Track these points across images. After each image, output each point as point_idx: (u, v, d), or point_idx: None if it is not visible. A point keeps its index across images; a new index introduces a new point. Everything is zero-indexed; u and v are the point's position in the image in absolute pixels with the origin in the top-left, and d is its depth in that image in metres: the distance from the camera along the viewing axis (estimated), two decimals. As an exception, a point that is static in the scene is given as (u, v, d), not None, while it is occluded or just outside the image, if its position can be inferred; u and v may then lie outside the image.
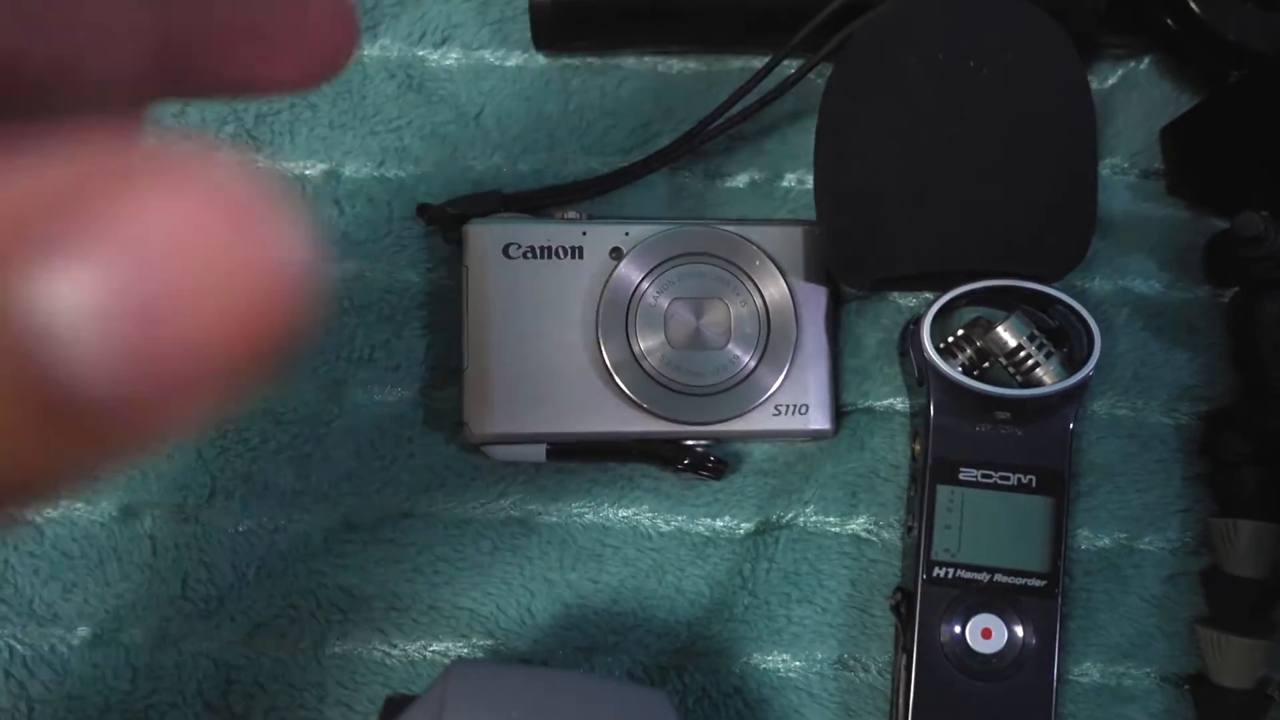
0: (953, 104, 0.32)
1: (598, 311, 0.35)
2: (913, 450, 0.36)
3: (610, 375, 0.35)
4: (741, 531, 0.37)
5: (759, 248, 0.36)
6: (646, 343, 0.35)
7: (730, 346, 0.36)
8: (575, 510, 0.37)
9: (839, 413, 0.37)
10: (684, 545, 0.37)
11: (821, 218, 0.35)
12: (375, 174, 0.38)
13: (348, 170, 0.38)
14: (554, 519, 0.37)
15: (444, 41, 0.38)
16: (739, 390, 0.36)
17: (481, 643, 0.36)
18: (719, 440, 0.37)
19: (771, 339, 0.36)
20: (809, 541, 0.37)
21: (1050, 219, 0.33)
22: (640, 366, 0.35)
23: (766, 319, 0.36)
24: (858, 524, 0.37)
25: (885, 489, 0.37)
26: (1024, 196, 0.32)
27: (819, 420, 0.36)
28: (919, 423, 0.36)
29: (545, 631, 0.36)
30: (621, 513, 0.37)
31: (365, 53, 0.38)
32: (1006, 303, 0.35)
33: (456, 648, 0.36)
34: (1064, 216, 0.33)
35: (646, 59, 0.38)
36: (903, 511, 0.37)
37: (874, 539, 0.37)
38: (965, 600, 0.34)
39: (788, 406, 0.36)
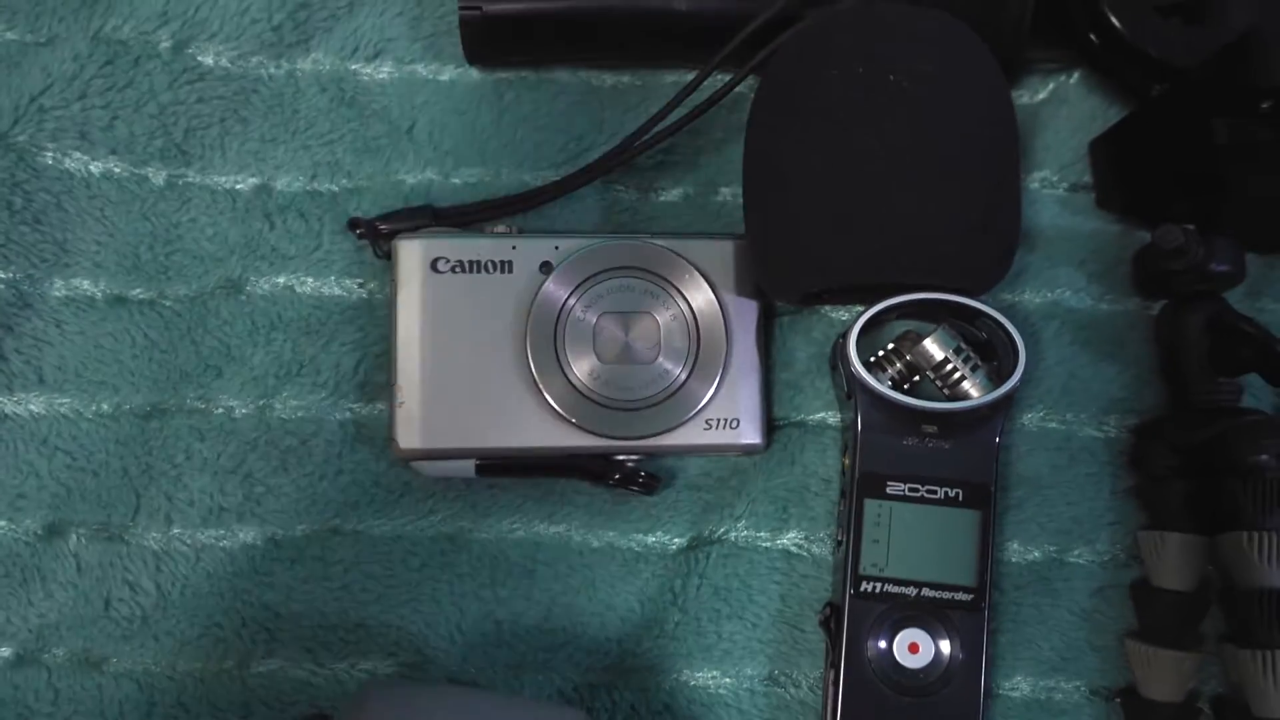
0: (875, 118, 0.32)
1: (527, 326, 0.35)
2: (843, 464, 0.36)
3: (539, 390, 0.35)
4: (674, 547, 0.36)
5: (689, 262, 0.36)
6: (575, 357, 0.35)
7: (660, 361, 0.35)
8: (506, 526, 0.36)
9: (771, 427, 0.36)
10: (615, 561, 0.36)
11: (750, 232, 0.34)
12: (307, 188, 0.37)
13: (279, 184, 0.37)
14: (485, 535, 0.36)
15: (376, 55, 0.38)
16: (669, 405, 0.35)
17: (410, 660, 0.35)
18: (650, 455, 0.36)
19: (702, 353, 0.35)
20: (740, 557, 0.36)
21: (974, 232, 0.32)
22: (569, 381, 0.35)
23: (696, 333, 0.35)
24: (788, 539, 0.36)
25: (816, 504, 0.36)
26: (948, 210, 0.32)
27: (750, 435, 0.35)
28: (848, 437, 0.35)
29: (475, 649, 0.36)
30: (553, 529, 0.36)
31: (298, 66, 0.37)
32: (934, 316, 0.35)
33: (384, 666, 0.35)
34: (988, 230, 0.33)
35: (580, 73, 0.38)
36: (833, 526, 0.36)
37: (804, 554, 0.36)
38: (892, 615, 0.33)
39: (719, 421, 0.35)
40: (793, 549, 0.36)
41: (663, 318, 0.35)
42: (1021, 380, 0.33)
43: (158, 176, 0.37)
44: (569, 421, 0.35)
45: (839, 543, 0.35)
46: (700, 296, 0.36)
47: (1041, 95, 0.38)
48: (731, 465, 0.37)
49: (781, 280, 0.34)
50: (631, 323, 0.35)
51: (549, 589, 0.36)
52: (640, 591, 0.36)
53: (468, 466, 0.35)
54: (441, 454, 0.35)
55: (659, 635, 0.36)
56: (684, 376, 0.35)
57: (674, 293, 0.36)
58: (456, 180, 0.37)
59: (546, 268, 0.35)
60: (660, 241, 0.36)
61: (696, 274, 0.36)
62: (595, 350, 0.35)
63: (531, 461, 0.35)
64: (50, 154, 0.37)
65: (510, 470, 0.36)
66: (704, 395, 0.35)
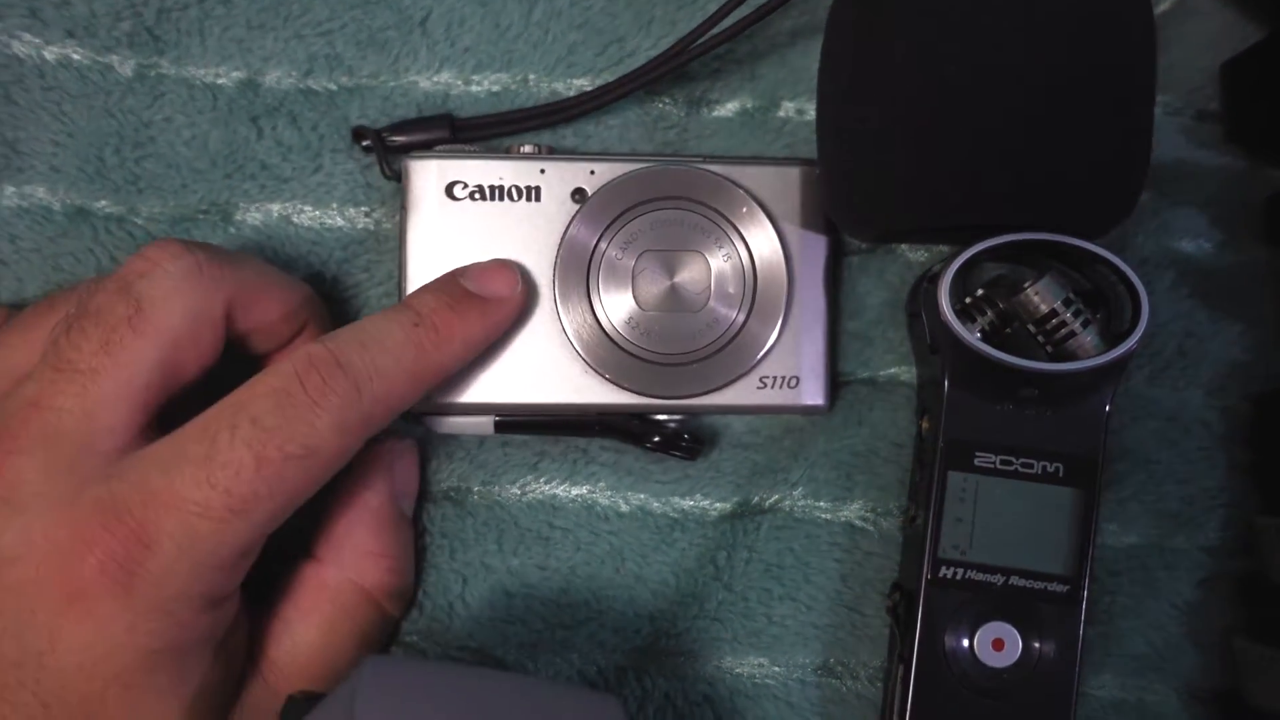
0: (986, 23, 0.25)
1: (555, 265, 0.29)
2: (920, 428, 0.30)
3: (569, 340, 0.29)
4: (715, 513, 0.31)
5: (747, 191, 0.29)
6: (611, 302, 0.29)
7: (710, 308, 0.29)
8: (519, 487, 0.31)
9: (835, 385, 0.31)
10: (646, 528, 0.31)
11: (823, 156, 0.28)
12: (300, 85, 0.31)
13: (268, 80, 0.31)
14: (494, 497, 0.31)
15: (385, -71, 0.31)
16: (719, 359, 0.29)
17: (405, 638, 0.30)
18: (694, 415, 0.30)
19: (759, 300, 0.29)
20: (796, 529, 0.31)
21: (1096, 163, 0.26)
22: (603, 330, 0.29)
23: (753, 276, 0.29)
24: (852, 510, 0.31)
25: (886, 471, 0.31)
26: (1066, 136, 0.26)
27: (812, 395, 0.30)
28: (929, 397, 0.29)
29: (481, 624, 0.30)
30: (574, 490, 0.31)
31: (290, -61, 0.31)
32: (1036, 260, 0.29)
33: None
34: (1112, 161, 0.26)
35: (628, -40, 0.31)
36: (904, 498, 0.31)
37: (870, 528, 0.31)
38: (975, 606, 0.28)
39: (776, 379, 0.30)
40: (856, 522, 0.31)
41: (714, 257, 0.29)
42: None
43: (125, 66, 0.30)
44: (602, 376, 0.29)
45: (912, 518, 0.30)
46: (759, 232, 0.29)
47: (1164, 6, 0.32)
48: (785, 422, 0.31)
49: (861, 214, 0.28)
50: (678, 263, 0.29)
51: (568, 559, 0.31)
52: (676, 564, 0.31)
53: (486, 424, 0.29)
54: (456, 409, 0.29)
55: (698, 615, 0.30)
56: (737, 328, 0.29)
57: (728, 228, 0.30)
58: (477, 86, 0.31)
59: (580, 195, 0.29)
60: (713, 167, 0.29)
61: (755, 205, 0.29)
62: (634, 294, 0.29)
63: (557, 420, 0.30)
64: (-5, 37, 0.30)
65: (533, 429, 0.30)
66: (760, 349, 0.29)
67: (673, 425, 0.30)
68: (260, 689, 0.26)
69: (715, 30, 0.29)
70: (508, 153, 0.30)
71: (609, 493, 0.31)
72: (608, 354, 0.29)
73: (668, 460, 0.31)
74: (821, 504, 0.31)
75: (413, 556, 0.29)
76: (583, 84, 0.31)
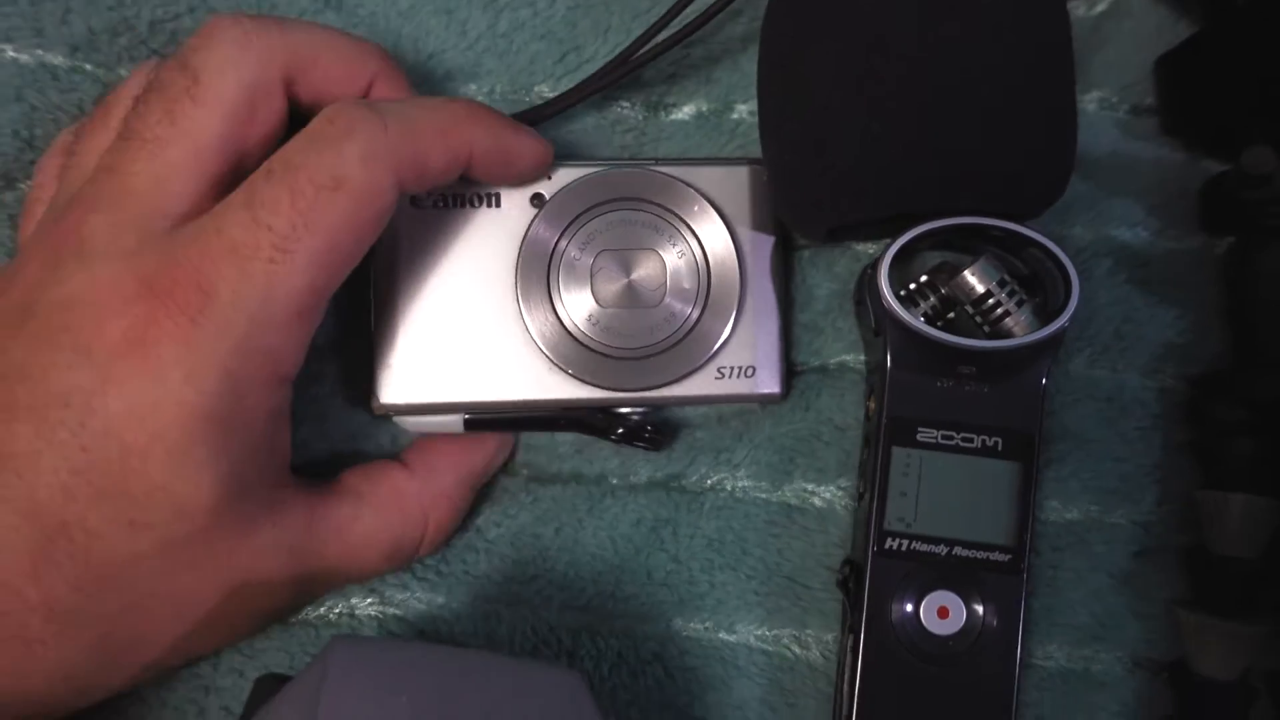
0: (910, 20, 0.27)
1: (517, 266, 0.30)
2: (867, 409, 0.31)
3: (532, 339, 0.30)
4: (643, 480, 0.32)
5: (699, 191, 0.31)
6: (571, 301, 0.30)
7: (666, 303, 0.30)
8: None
9: (790, 373, 0.32)
10: (580, 496, 0.32)
11: (768, 158, 0.29)
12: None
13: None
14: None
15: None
16: (677, 352, 0.31)
17: (366, 605, 0.31)
18: (655, 406, 0.32)
19: (713, 294, 0.31)
20: (735, 509, 0.32)
21: (1025, 147, 0.27)
22: (564, 328, 0.30)
23: (707, 272, 0.31)
24: (790, 490, 0.32)
25: (826, 453, 0.32)
26: (995, 123, 0.27)
27: (768, 383, 0.31)
28: (875, 379, 0.31)
29: (437, 588, 0.32)
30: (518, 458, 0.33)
31: (272, -37, 0.33)
32: (973, 246, 0.30)
33: (341, 608, 0.31)
34: (1041, 144, 0.28)
35: (586, -33, 0.33)
36: (843, 478, 0.32)
37: (807, 506, 0.32)
38: (920, 576, 0.29)
39: (733, 369, 0.31)
40: (793, 501, 0.32)
41: (669, 254, 0.31)
42: (1072, 319, 0.28)
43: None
44: (565, 372, 0.30)
45: (860, 494, 0.31)
46: (711, 230, 0.31)
47: (1101, 6, 0.33)
48: (737, 408, 0.32)
49: (806, 213, 0.29)
50: (634, 261, 0.31)
51: (512, 520, 0.32)
52: (611, 528, 0.32)
53: (455, 422, 0.31)
54: (426, 409, 0.30)
55: (646, 582, 0.32)
56: (693, 321, 0.31)
57: (681, 226, 0.31)
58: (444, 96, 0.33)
59: (538, 200, 0.30)
60: (667, 168, 0.31)
61: (707, 205, 0.31)
62: (593, 292, 0.30)
63: (526, 416, 0.31)
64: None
65: (501, 425, 0.31)
66: (716, 341, 0.31)
67: (636, 417, 0.31)
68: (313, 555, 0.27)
69: (661, 36, 0.31)
70: None
71: (544, 458, 0.32)
72: (570, 351, 0.30)
73: (633, 451, 0.32)
74: (762, 484, 0.32)
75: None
76: (544, 90, 0.33)
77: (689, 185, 0.31)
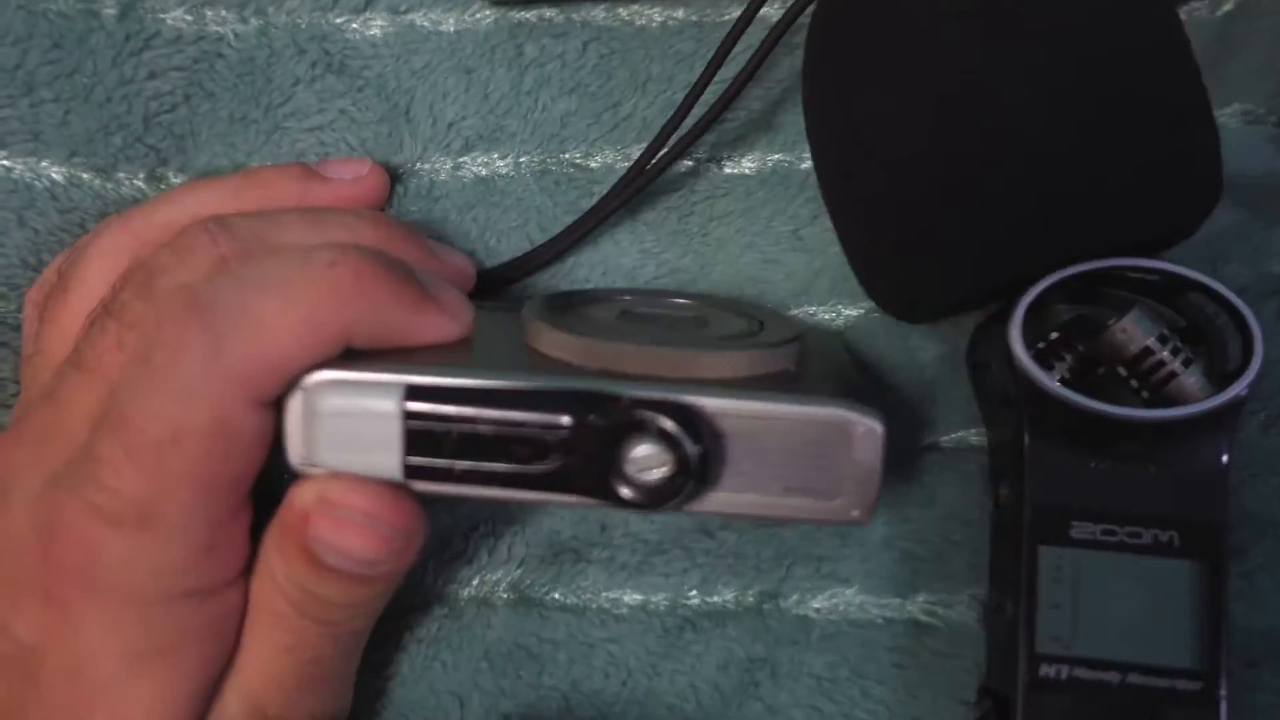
0: (992, 40, 0.22)
1: None
2: (996, 498, 0.25)
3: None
4: (732, 605, 0.26)
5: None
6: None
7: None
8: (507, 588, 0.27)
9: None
10: (651, 631, 0.26)
11: (841, 236, 0.25)
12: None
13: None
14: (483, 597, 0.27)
15: (367, 4, 0.29)
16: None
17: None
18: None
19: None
20: (849, 635, 0.26)
21: (1156, 156, 0.22)
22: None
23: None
24: (916, 605, 0.26)
25: (955, 555, 0.26)
26: (1117, 144, 0.21)
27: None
28: (1005, 461, 0.25)
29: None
30: (557, 596, 0.27)
31: (269, 20, 0.29)
32: (1117, 299, 0.25)
33: None
34: (1175, 146, 0.22)
35: (618, 9, 0.29)
36: (976, 585, 0.26)
37: (938, 624, 0.26)
38: (1087, 712, 0.23)
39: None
40: (923, 618, 0.26)
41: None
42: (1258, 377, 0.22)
43: (134, 181, 0.28)
44: None
45: (997, 607, 0.25)
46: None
47: (1227, 7, 0.28)
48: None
49: (903, 296, 0.24)
50: None
51: (564, 674, 0.26)
52: (692, 671, 0.26)
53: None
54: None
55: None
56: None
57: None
58: (465, 173, 0.28)
59: None
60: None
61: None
62: None
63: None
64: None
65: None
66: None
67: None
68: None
69: (705, 89, 0.26)
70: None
71: (601, 592, 0.27)
72: None
73: (669, 546, 0.26)
74: (882, 601, 0.26)
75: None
76: (576, 157, 0.28)
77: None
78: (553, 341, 0.21)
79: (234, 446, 0.19)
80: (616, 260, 0.28)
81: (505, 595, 0.27)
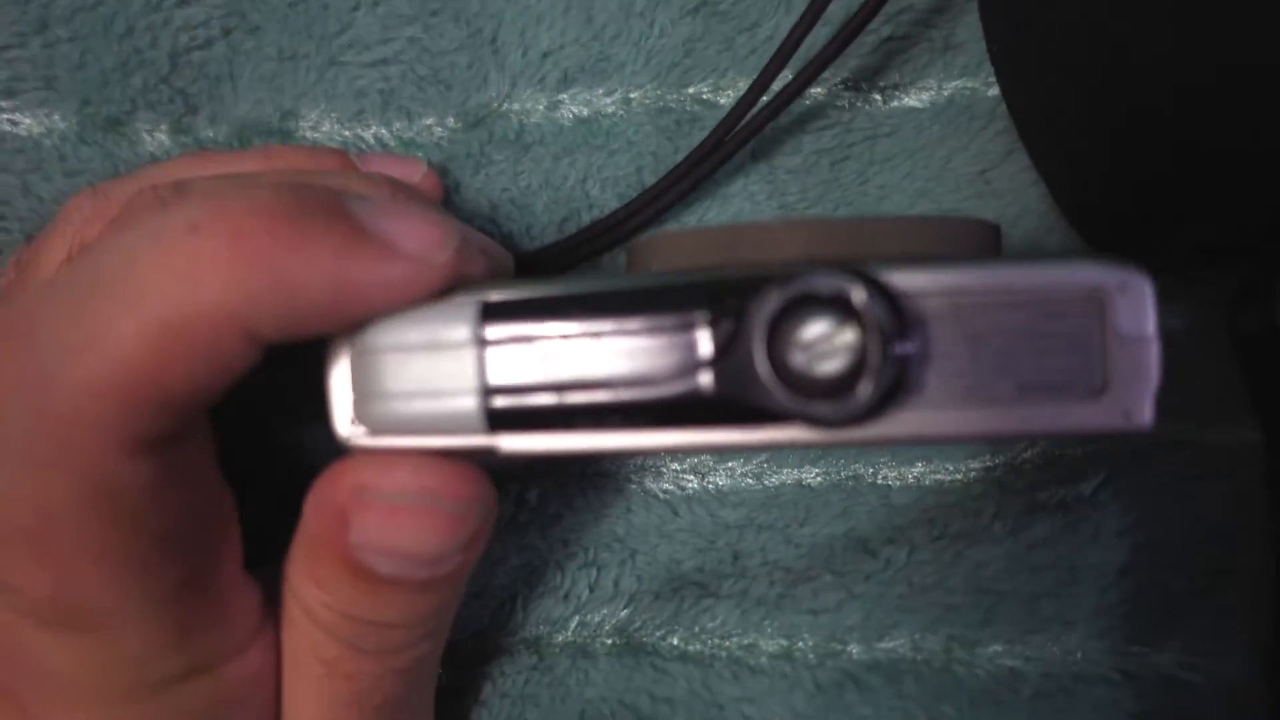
0: None
1: None
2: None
3: None
4: (910, 655, 0.20)
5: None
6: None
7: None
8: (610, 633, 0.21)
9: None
10: (799, 689, 0.20)
11: (1047, 172, 0.19)
12: (343, 134, 0.23)
13: (304, 128, 0.23)
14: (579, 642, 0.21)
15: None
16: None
17: None
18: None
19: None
20: (1075, 695, 0.20)
21: None
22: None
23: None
24: (1165, 657, 0.20)
25: (1222, 591, 0.20)
26: None
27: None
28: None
29: None
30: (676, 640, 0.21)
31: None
32: None
33: None
34: None
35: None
36: (1240, 631, 0.20)
37: (1193, 677, 0.20)
38: None
39: None
40: (1179, 673, 0.20)
41: None
42: None
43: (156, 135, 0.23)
44: None
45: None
46: None
47: None
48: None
49: (1163, 248, 0.19)
50: None
51: None
52: None
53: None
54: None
55: None
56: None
57: None
58: (563, 110, 0.23)
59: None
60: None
61: None
62: None
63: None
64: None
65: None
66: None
67: None
68: None
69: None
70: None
71: (733, 636, 0.21)
72: None
73: (820, 575, 0.20)
74: (1121, 651, 0.20)
75: None
76: (703, 92, 0.23)
77: None
78: (674, 246, 0.15)
79: (129, 505, 0.14)
80: (751, 218, 0.22)
81: (609, 641, 0.21)
